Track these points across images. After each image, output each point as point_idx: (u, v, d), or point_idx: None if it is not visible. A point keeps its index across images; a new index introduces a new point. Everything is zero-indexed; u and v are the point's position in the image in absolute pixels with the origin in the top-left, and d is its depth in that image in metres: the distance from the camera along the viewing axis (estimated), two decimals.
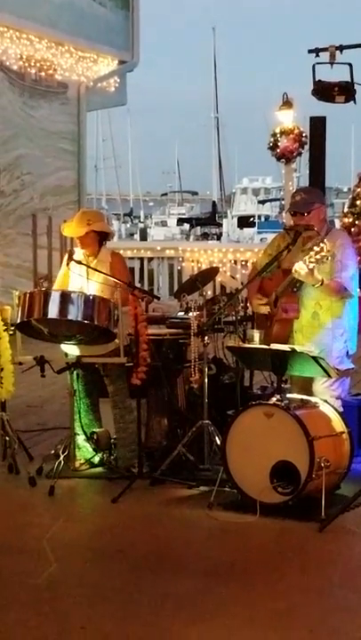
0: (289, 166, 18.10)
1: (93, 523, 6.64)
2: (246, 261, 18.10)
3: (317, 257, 6.59)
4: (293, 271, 6.78)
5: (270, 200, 57.02)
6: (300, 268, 6.71)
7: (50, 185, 17.80)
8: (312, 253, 6.62)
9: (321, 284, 6.81)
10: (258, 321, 7.47)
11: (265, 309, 7.23)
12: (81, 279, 7.44)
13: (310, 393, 7.04)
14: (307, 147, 16.52)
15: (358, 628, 4.82)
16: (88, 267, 7.40)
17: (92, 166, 46.78)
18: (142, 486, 7.05)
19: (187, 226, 51.59)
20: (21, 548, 5.98)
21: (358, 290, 7.26)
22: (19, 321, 7.10)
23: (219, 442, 6.99)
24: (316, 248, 6.62)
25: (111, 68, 18.95)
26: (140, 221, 59.34)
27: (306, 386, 7.13)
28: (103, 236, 7.63)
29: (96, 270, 7.37)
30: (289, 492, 6.38)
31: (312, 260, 6.61)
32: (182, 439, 7.32)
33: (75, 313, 6.95)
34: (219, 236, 49.16)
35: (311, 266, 6.64)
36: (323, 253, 6.56)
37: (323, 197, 7.40)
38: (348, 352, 7.11)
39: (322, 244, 6.59)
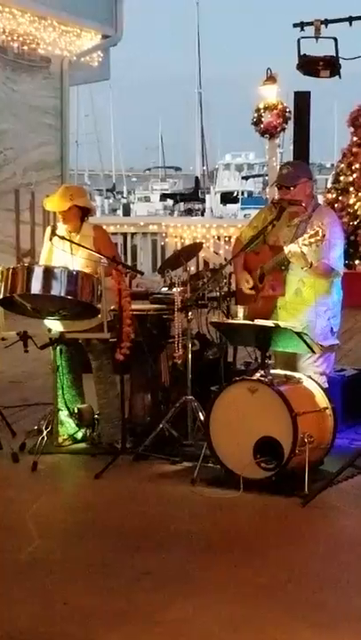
0: (273, 142, 18.07)
1: (76, 498, 6.63)
2: (230, 237, 18.07)
3: (311, 240, 6.57)
4: (287, 252, 6.76)
5: (254, 176, 56.91)
6: (294, 250, 6.69)
7: (32, 160, 17.72)
8: (306, 236, 6.59)
9: (310, 267, 6.79)
10: (239, 295, 7.44)
11: (250, 292, 7.20)
12: (65, 255, 7.41)
13: (295, 369, 7.03)
14: (291, 122, 16.47)
15: (342, 602, 4.84)
16: (72, 242, 7.37)
17: (74, 141, 46.61)
18: (125, 462, 7.06)
19: (170, 201, 51.51)
20: (4, 524, 5.97)
21: (344, 268, 7.26)
22: (1, 297, 7.05)
23: (202, 417, 6.99)
24: (310, 231, 6.59)
25: (94, 43, 18.84)
26: (122, 197, 59.21)
27: (290, 362, 7.12)
28: (85, 212, 7.59)
29: (80, 246, 7.34)
30: (272, 468, 6.39)
31: (305, 242, 6.58)
32: (166, 415, 7.31)
33: (58, 288, 6.92)
34: (202, 212, 49.09)
35: (305, 249, 6.61)
36: (318, 237, 6.54)
37: (310, 172, 7.35)
38: (332, 329, 7.10)
39: (317, 228, 6.56)
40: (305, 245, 6.60)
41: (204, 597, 4.89)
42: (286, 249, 6.77)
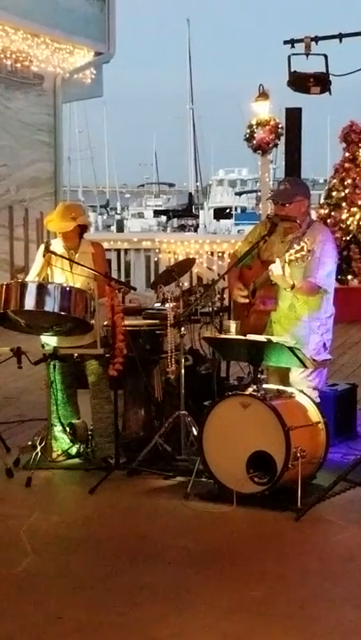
0: (265, 158, 18.10)
1: (70, 513, 6.64)
2: (223, 253, 18.09)
3: (297, 255, 6.59)
4: (268, 269, 6.79)
5: (247, 192, 57.06)
6: (275, 269, 6.72)
7: (26, 177, 17.74)
8: (292, 251, 6.62)
9: (291, 289, 6.82)
10: (235, 310, 7.48)
11: (244, 300, 7.24)
12: (64, 273, 7.44)
13: (288, 383, 7.06)
14: (283, 138, 16.54)
15: (336, 616, 4.86)
16: (72, 261, 7.40)
17: (66, 158, 46.71)
18: (119, 477, 7.06)
19: (163, 217, 51.57)
20: None
21: (335, 282, 7.28)
22: None
23: (195, 432, 7.01)
24: (296, 246, 6.62)
25: (87, 60, 18.90)
26: (116, 213, 59.29)
27: (283, 377, 7.15)
28: (84, 229, 7.63)
29: (79, 264, 7.36)
30: (265, 482, 6.40)
31: (291, 257, 6.61)
32: (159, 430, 7.33)
33: (51, 304, 6.95)
34: (196, 228, 49.16)
35: (287, 271, 6.64)
36: (303, 252, 6.56)
37: (307, 190, 7.33)
38: (325, 344, 7.13)
39: (303, 243, 6.59)
40: (291, 261, 6.62)
41: (199, 611, 4.91)
42: (271, 266, 6.79)
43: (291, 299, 7.04)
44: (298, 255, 6.57)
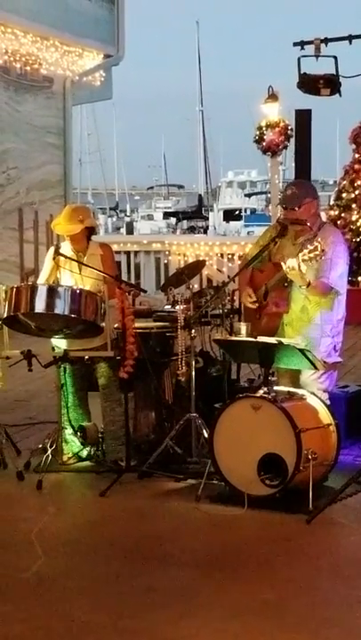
0: (275, 159, 18.09)
1: (81, 516, 6.63)
2: (233, 255, 18.10)
3: (311, 255, 6.58)
4: (286, 267, 6.78)
5: (256, 193, 57.02)
6: (292, 266, 6.70)
7: (36, 179, 17.78)
8: (306, 251, 6.61)
9: (307, 286, 6.82)
10: (246, 313, 7.48)
11: (253, 306, 7.23)
12: (73, 275, 7.44)
13: (298, 385, 7.05)
14: (292, 140, 16.51)
15: (348, 619, 4.84)
16: (80, 263, 7.40)
17: (77, 160, 46.73)
18: (130, 480, 7.06)
19: (173, 219, 51.56)
20: (10, 542, 5.99)
21: (347, 285, 7.28)
22: (5, 315, 7.08)
23: (206, 435, 7.01)
24: (309, 246, 6.61)
25: (96, 62, 18.92)
26: (126, 215, 59.29)
27: (294, 379, 7.15)
28: (91, 231, 7.63)
29: (88, 266, 7.36)
30: (277, 485, 6.39)
31: (305, 257, 6.60)
32: (170, 432, 7.33)
33: (62, 307, 6.94)
34: (205, 230, 49.15)
35: (303, 266, 6.63)
36: (316, 252, 6.55)
37: (314, 191, 7.33)
38: (335, 346, 7.12)
39: (316, 243, 6.58)
40: (304, 261, 6.62)
41: (210, 614, 4.90)
42: (285, 265, 6.79)
43: (303, 301, 7.04)
44: (311, 255, 6.56)
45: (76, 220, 7.45)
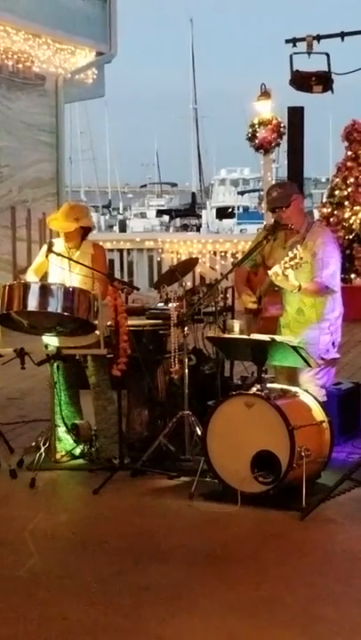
0: (267, 157, 18.09)
1: (75, 514, 6.63)
2: (225, 252, 18.10)
3: (291, 263, 6.58)
4: (271, 274, 6.78)
5: (249, 191, 57.02)
6: (275, 273, 6.71)
7: (28, 177, 17.77)
8: (286, 259, 6.60)
9: (298, 290, 6.81)
10: (246, 318, 7.46)
11: (253, 306, 7.23)
12: (63, 271, 7.43)
13: (295, 382, 7.06)
14: (285, 137, 16.51)
15: (341, 615, 4.85)
16: (70, 259, 7.39)
17: (68, 158, 46.69)
18: (123, 477, 7.06)
19: (166, 217, 51.55)
20: (3, 540, 5.97)
21: (341, 282, 7.28)
22: None
23: (199, 432, 7.00)
24: (290, 254, 6.61)
25: (89, 60, 18.93)
26: (119, 213, 59.29)
27: (291, 376, 7.15)
28: (87, 230, 7.63)
29: (78, 263, 7.36)
30: (270, 482, 6.40)
31: (287, 265, 6.60)
32: (163, 430, 7.33)
33: (54, 305, 6.94)
34: (198, 228, 49.15)
35: (287, 272, 6.63)
36: (296, 260, 6.55)
37: (297, 188, 7.41)
38: (333, 342, 7.15)
39: (296, 251, 6.57)
40: (286, 269, 6.61)
41: (204, 611, 4.90)
42: (270, 271, 6.79)
43: (298, 303, 7.05)
44: (292, 263, 6.56)
45: (71, 219, 7.45)
